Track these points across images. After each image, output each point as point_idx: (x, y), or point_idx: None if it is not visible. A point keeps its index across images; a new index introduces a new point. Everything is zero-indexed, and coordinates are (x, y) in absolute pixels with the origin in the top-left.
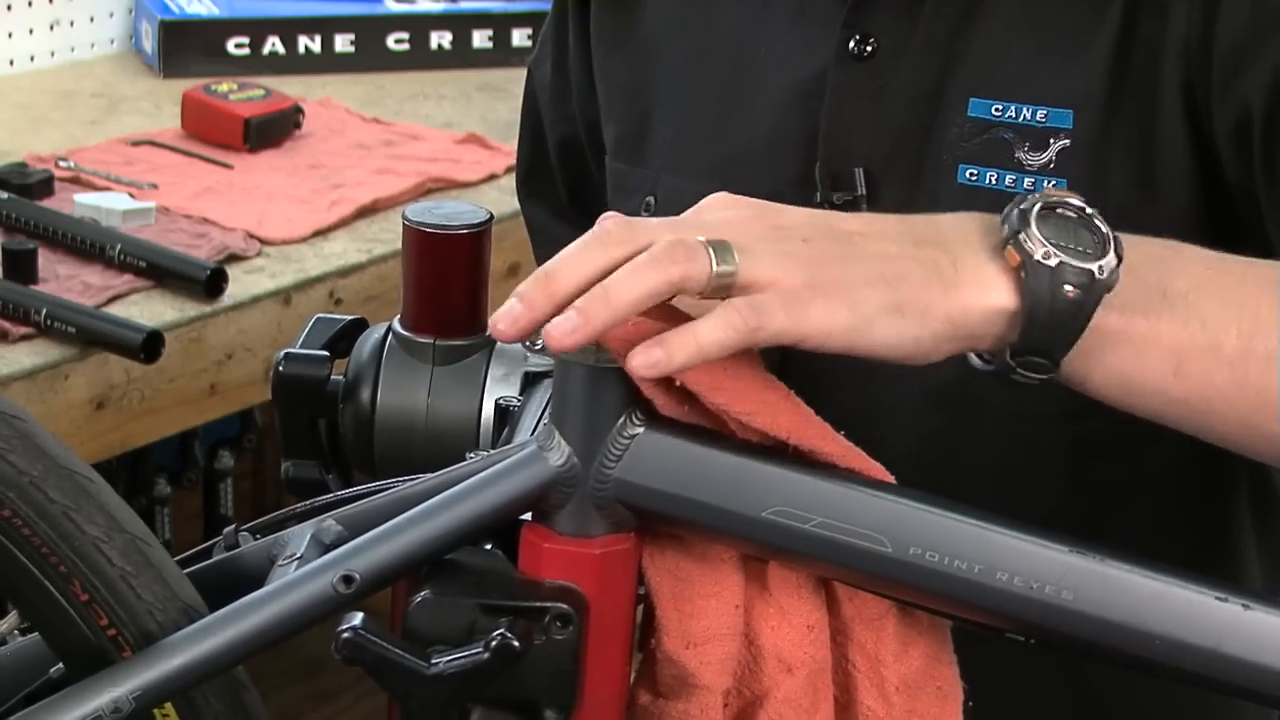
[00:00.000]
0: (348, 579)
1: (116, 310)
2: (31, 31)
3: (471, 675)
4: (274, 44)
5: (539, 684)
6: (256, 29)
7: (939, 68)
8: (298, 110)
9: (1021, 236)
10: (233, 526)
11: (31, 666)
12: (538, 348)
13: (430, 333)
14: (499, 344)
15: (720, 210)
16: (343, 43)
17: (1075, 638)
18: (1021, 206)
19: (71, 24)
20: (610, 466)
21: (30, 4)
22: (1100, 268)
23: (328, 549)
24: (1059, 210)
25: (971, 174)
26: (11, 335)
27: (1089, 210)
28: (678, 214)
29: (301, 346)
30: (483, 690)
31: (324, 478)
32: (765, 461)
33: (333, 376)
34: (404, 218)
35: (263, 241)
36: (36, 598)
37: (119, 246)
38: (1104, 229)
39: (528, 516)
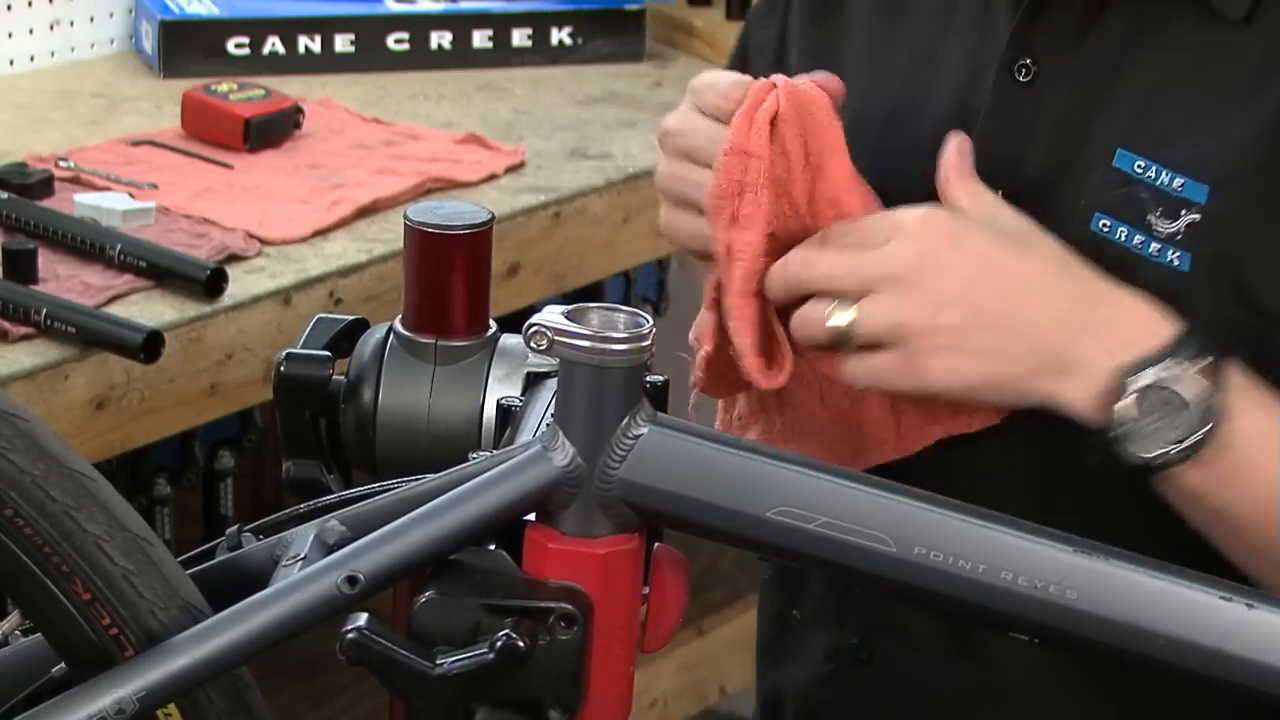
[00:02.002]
0: (352, 579)
1: (116, 310)
2: (31, 31)
3: (476, 675)
4: (274, 44)
5: (544, 684)
6: (256, 29)
7: (1093, 105)
8: (298, 110)
9: (1136, 387)
10: (236, 527)
11: (33, 667)
12: (540, 347)
13: (432, 333)
14: (500, 344)
15: (907, 247)
16: (343, 43)
17: (1079, 637)
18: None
19: (71, 24)
20: (615, 466)
21: (30, 4)
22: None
23: (331, 550)
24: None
25: (1104, 224)
26: (11, 335)
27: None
28: None
29: (303, 346)
30: (487, 690)
31: (325, 478)
32: (770, 461)
33: (334, 376)
34: (405, 218)
35: (263, 241)
36: (38, 597)
37: (119, 246)
38: (1206, 417)
39: (531, 517)
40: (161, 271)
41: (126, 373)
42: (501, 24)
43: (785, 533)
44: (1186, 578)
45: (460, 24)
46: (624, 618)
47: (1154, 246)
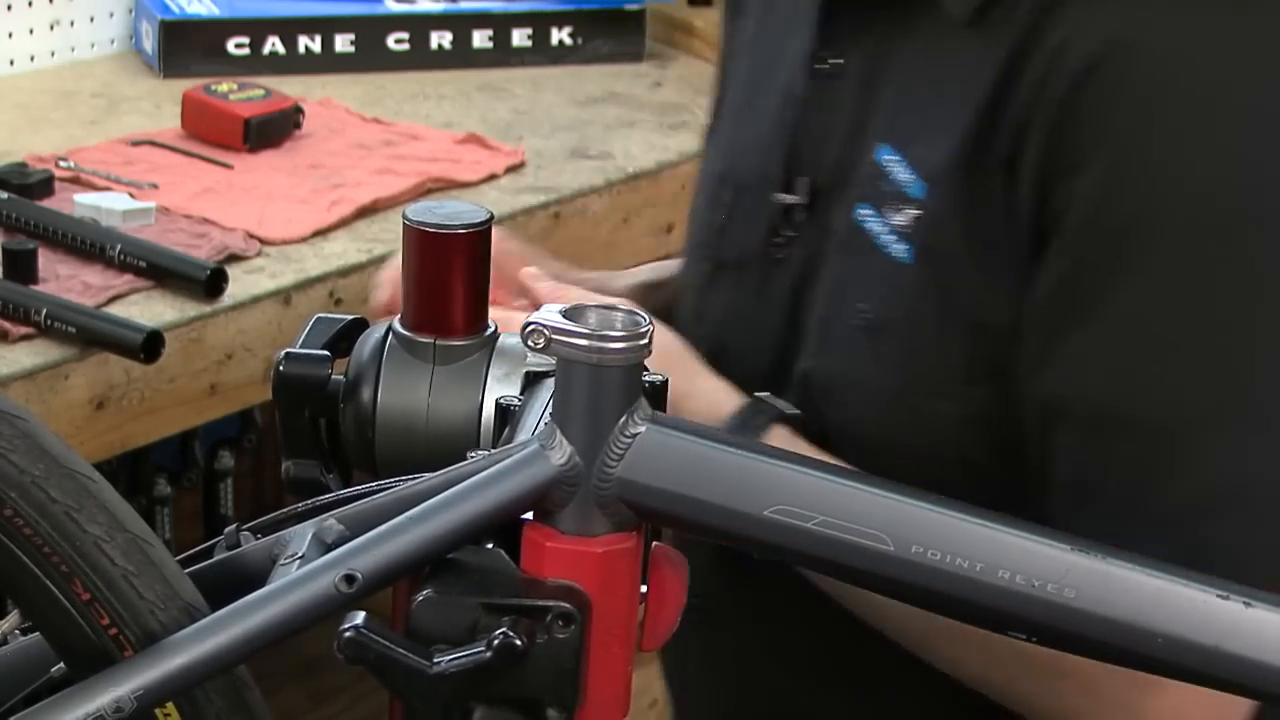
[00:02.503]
0: (350, 578)
1: (116, 310)
2: (31, 31)
3: (474, 674)
4: (274, 44)
5: (541, 683)
6: (256, 29)
7: (870, 99)
8: (298, 110)
9: None
10: (234, 526)
11: (33, 666)
12: (538, 346)
13: (431, 332)
14: (500, 343)
15: None
16: (343, 43)
17: (1077, 636)
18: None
19: (71, 24)
20: (612, 465)
21: (30, 4)
22: None
23: (329, 548)
24: None
25: (864, 213)
26: (11, 335)
27: None
28: (700, 193)
29: (302, 346)
30: (485, 689)
31: (324, 477)
32: (768, 460)
33: (333, 376)
34: (404, 217)
35: (263, 241)
36: (38, 597)
37: (119, 246)
38: None
39: (529, 515)
40: (161, 271)
41: (126, 373)
42: (501, 24)
43: (783, 531)
44: (1185, 576)
45: (460, 24)
46: (622, 617)
47: (886, 237)
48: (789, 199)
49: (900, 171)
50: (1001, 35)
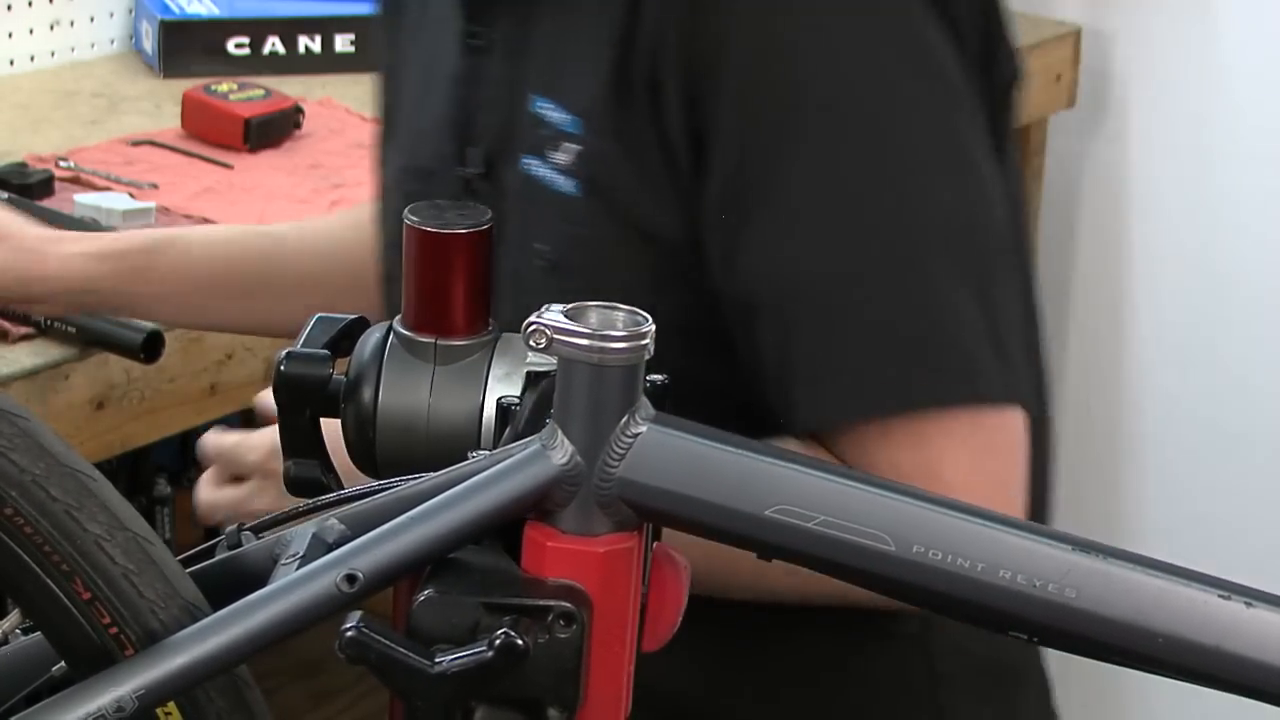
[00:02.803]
0: (351, 578)
1: None
2: (31, 31)
3: (475, 674)
4: (274, 44)
5: (543, 682)
6: (256, 29)
7: (518, 60)
8: (298, 110)
9: None
10: (235, 526)
11: (33, 665)
12: (539, 346)
13: (431, 332)
14: (500, 343)
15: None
16: (343, 43)
17: (1078, 636)
18: None
19: (71, 24)
20: (614, 465)
21: (30, 4)
22: None
23: (330, 548)
24: None
25: (528, 163)
26: (11, 335)
27: None
28: (388, 188)
29: (302, 346)
30: (486, 688)
31: (325, 478)
32: (769, 460)
33: (334, 376)
34: (404, 217)
35: None
36: (38, 596)
37: None
38: None
39: (531, 515)
40: None
41: (126, 373)
42: None
43: (784, 531)
44: (1185, 576)
45: None
46: (623, 616)
47: (552, 175)
48: (467, 172)
49: (555, 113)
50: None
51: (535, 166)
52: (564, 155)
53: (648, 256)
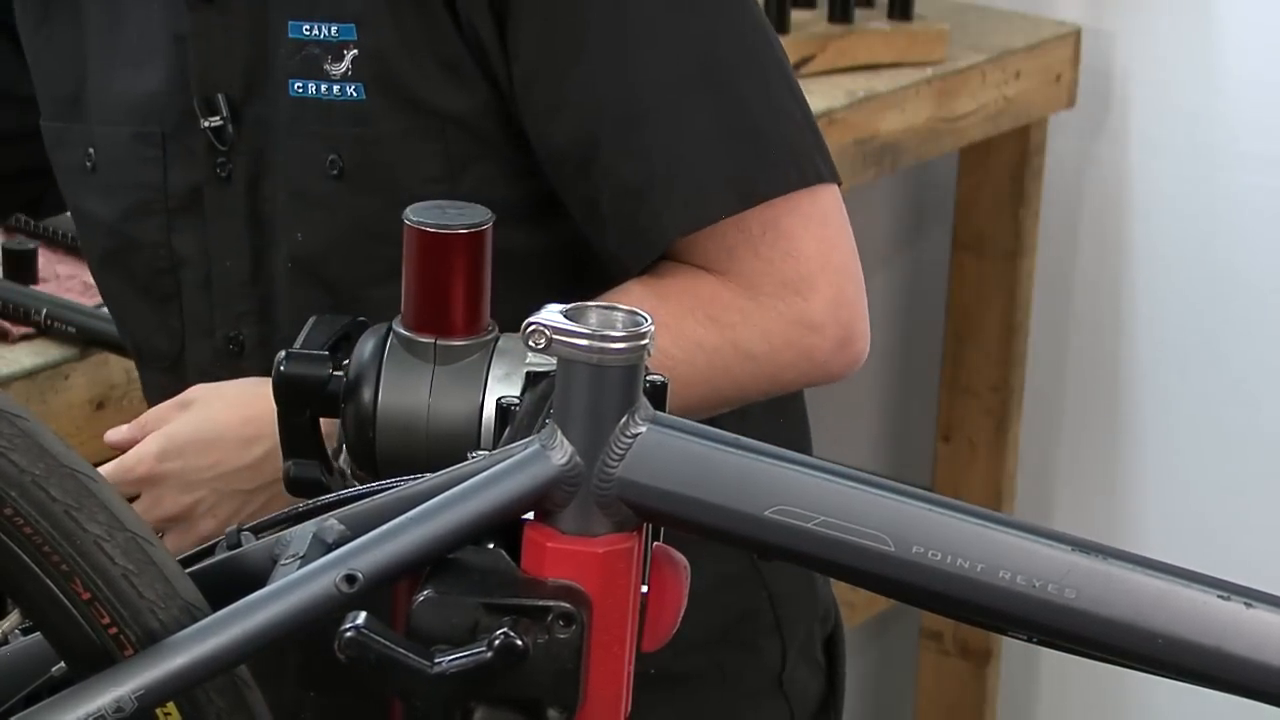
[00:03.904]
0: (350, 578)
1: None
2: None
3: (475, 674)
4: None
5: (542, 683)
6: None
7: (255, 8)
8: None
9: None
10: (235, 526)
11: (33, 665)
12: (539, 346)
13: (431, 332)
14: (500, 343)
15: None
16: None
17: (1078, 636)
18: None
19: None
20: (613, 465)
21: None
22: None
23: (330, 548)
24: None
25: (299, 86)
26: (11, 335)
27: None
28: (110, 161)
29: (302, 346)
30: (486, 689)
31: (325, 478)
32: (768, 460)
33: (334, 376)
34: (405, 217)
35: None
36: (38, 596)
37: None
38: None
39: (530, 515)
40: None
41: (127, 373)
42: None
43: (783, 532)
44: (1185, 577)
45: None
46: (623, 617)
47: (335, 88)
48: (214, 121)
49: (323, 30)
50: None
51: (307, 87)
52: (344, 64)
53: (440, 142)
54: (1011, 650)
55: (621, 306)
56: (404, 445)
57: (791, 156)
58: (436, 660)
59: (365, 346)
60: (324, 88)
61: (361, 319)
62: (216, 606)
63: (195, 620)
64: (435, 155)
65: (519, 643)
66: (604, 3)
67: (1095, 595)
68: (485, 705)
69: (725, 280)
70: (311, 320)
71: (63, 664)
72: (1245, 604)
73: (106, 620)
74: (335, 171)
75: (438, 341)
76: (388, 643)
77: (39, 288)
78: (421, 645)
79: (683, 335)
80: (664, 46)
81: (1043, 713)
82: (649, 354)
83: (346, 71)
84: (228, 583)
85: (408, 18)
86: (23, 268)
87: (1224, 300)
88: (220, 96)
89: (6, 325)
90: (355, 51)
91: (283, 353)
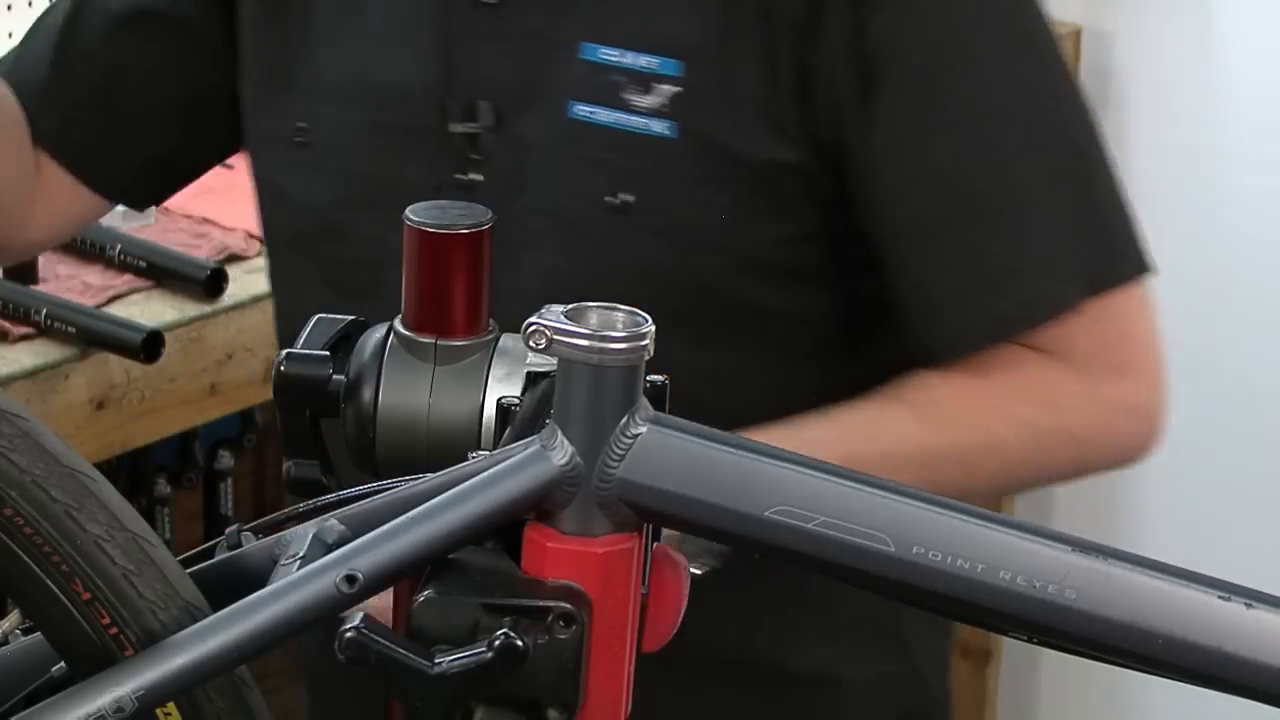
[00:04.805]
0: (350, 578)
1: (116, 310)
2: None
3: (475, 674)
4: None
5: (542, 683)
6: None
7: (554, 15)
8: None
9: None
10: (235, 526)
11: (33, 666)
12: (539, 346)
13: (432, 332)
14: (500, 343)
15: None
16: None
17: (1078, 637)
18: None
19: None
20: (613, 466)
21: (30, 4)
22: None
23: (330, 549)
24: None
25: (585, 111)
26: (11, 335)
27: None
28: (331, 143)
29: (302, 346)
30: (486, 689)
31: (325, 478)
32: (768, 461)
33: (334, 376)
34: (405, 217)
35: (263, 241)
36: (38, 596)
37: (119, 246)
38: None
39: (530, 515)
40: (161, 271)
41: (126, 373)
42: None
43: (783, 532)
44: (1186, 577)
45: None
46: (623, 617)
47: (638, 121)
48: (470, 127)
49: (633, 59)
50: None
51: (595, 114)
52: (656, 97)
53: (739, 194)
54: (1011, 650)
55: (621, 307)
56: (404, 445)
57: (1132, 243)
58: (437, 660)
59: (365, 346)
60: (620, 117)
61: (361, 319)
62: (217, 607)
63: (195, 620)
64: (729, 206)
65: (519, 643)
66: (977, 80)
67: (1095, 595)
68: (485, 705)
69: (1055, 361)
70: (312, 320)
71: (63, 664)
72: (1245, 604)
73: (106, 620)
74: (616, 205)
75: (438, 341)
76: (388, 643)
77: (39, 288)
78: (422, 645)
79: (1011, 415)
80: (1029, 129)
81: (1043, 713)
82: (649, 354)
83: (658, 106)
84: (228, 583)
85: (743, 64)
86: (23, 268)
87: (1223, 300)
88: (484, 103)
89: (6, 325)
90: (675, 89)
91: (283, 352)
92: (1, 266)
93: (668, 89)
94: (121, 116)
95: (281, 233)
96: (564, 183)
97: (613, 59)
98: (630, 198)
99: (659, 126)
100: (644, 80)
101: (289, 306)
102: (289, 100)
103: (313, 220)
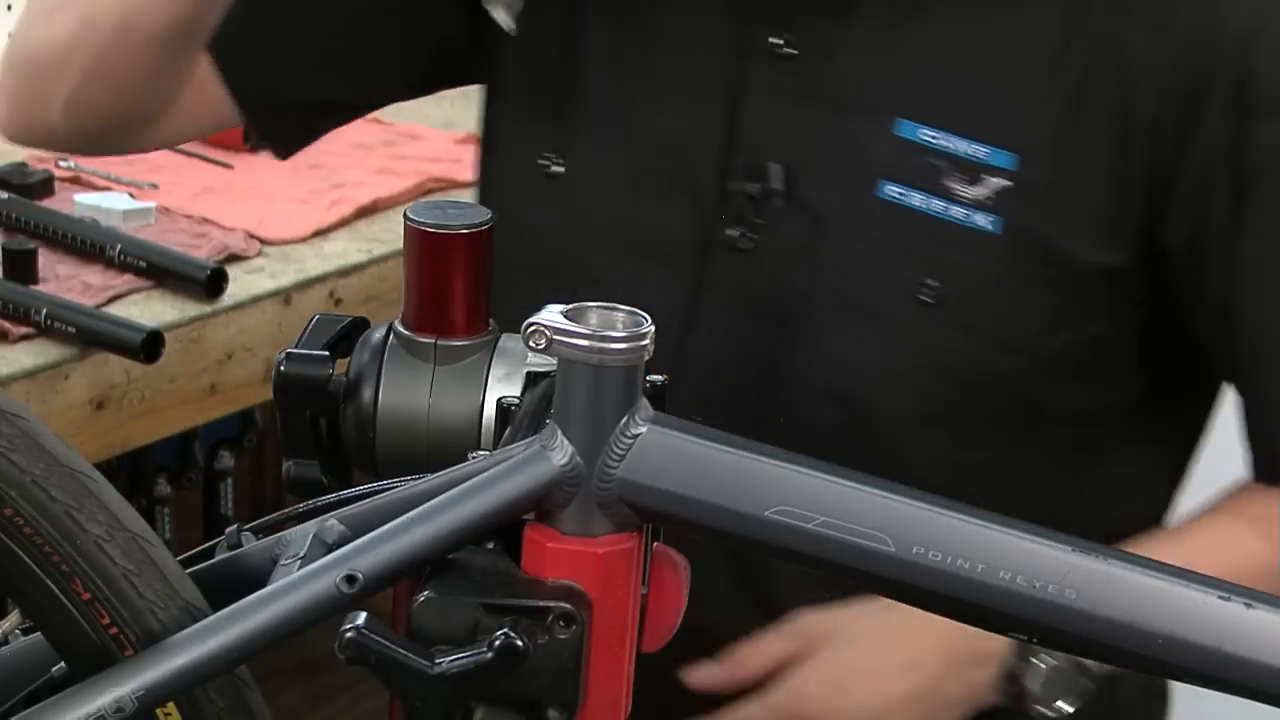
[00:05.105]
0: (350, 578)
1: (116, 310)
2: None
3: (475, 675)
4: None
5: (542, 683)
6: None
7: (866, 80)
8: None
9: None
10: (235, 526)
11: (33, 666)
12: (539, 346)
13: (432, 332)
14: (500, 343)
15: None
16: None
17: (1078, 636)
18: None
19: None
20: (614, 466)
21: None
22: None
23: (330, 549)
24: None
25: (896, 191)
26: (11, 335)
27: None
28: (587, 181)
29: (303, 346)
30: (486, 689)
31: (325, 478)
32: (769, 461)
33: (334, 376)
34: (405, 218)
35: (263, 241)
36: (38, 596)
37: (119, 246)
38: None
39: (531, 515)
40: (161, 271)
41: (126, 373)
42: None
43: (784, 532)
44: (1185, 577)
45: None
46: (623, 617)
47: (960, 211)
48: (752, 188)
49: (961, 146)
50: (1072, 8)
51: (914, 197)
52: (981, 190)
53: (1060, 296)
54: None
55: (621, 307)
56: (404, 445)
57: None
58: (437, 661)
59: (365, 346)
60: (939, 204)
61: (362, 318)
62: (217, 607)
63: (195, 620)
64: (1044, 307)
65: (519, 643)
66: None
67: (1095, 595)
68: (485, 706)
69: None
70: (312, 320)
71: (63, 664)
72: (1245, 604)
73: (107, 620)
74: (924, 297)
75: (438, 341)
76: (388, 643)
77: (39, 288)
78: (422, 646)
79: None
80: None
81: None
82: (649, 354)
83: (983, 198)
84: (228, 583)
85: (1085, 165)
86: (23, 268)
87: None
88: (775, 166)
89: (6, 325)
90: (1004, 182)
91: (283, 352)
92: (125, 151)
93: (996, 181)
94: (296, 56)
95: (517, 262)
96: (867, 265)
97: (935, 141)
98: (940, 289)
99: (982, 220)
100: (971, 169)
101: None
102: (546, 128)
103: (556, 258)
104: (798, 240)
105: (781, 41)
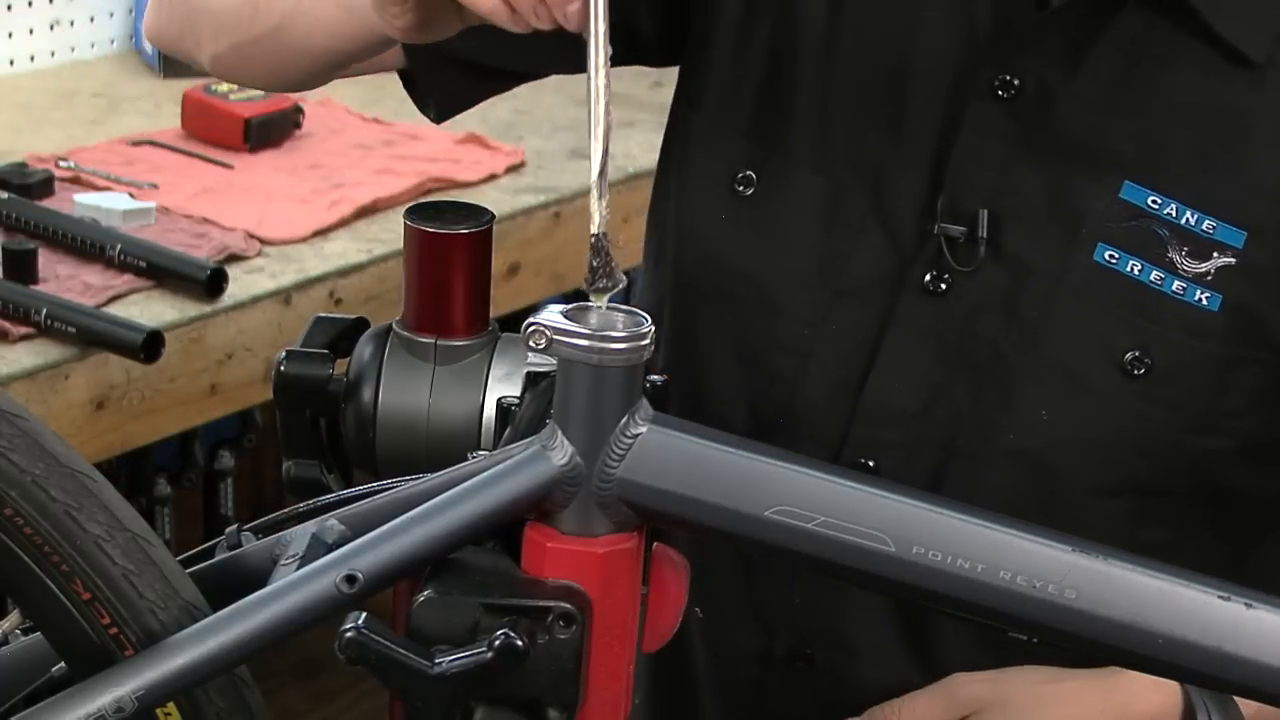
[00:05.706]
0: (350, 578)
1: (116, 310)
2: (31, 31)
3: (475, 674)
4: None
5: (542, 683)
6: None
7: (1091, 133)
8: (298, 110)
9: None
10: (235, 526)
11: (33, 666)
12: (539, 347)
13: (432, 332)
14: (500, 343)
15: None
16: None
17: (1078, 637)
18: None
19: (71, 24)
20: (613, 466)
21: (30, 4)
22: None
23: (330, 549)
24: None
25: (1111, 256)
26: (11, 335)
27: None
28: (780, 206)
29: (303, 346)
30: (486, 689)
31: (325, 478)
32: (769, 460)
33: (334, 376)
34: (405, 218)
35: (263, 241)
36: (38, 596)
37: (119, 246)
38: None
39: (531, 515)
40: (161, 271)
41: (126, 373)
42: None
43: (784, 532)
44: (1185, 578)
45: None
46: (623, 617)
47: (1178, 284)
48: (955, 231)
49: (1189, 216)
50: None
51: (1131, 264)
52: (1206, 265)
53: (1265, 378)
54: None
55: (621, 307)
56: (404, 445)
57: None
58: (437, 660)
59: (365, 346)
60: (1156, 275)
61: (362, 318)
62: (217, 607)
63: (195, 620)
64: (1252, 390)
65: (519, 643)
66: None
67: (1095, 595)
68: (485, 705)
69: None
70: (313, 320)
71: (63, 664)
72: (1245, 604)
73: (107, 620)
74: (1130, 368)
75: (438, 341)
76: (388, 643)
77: (39, 288)
78: (422, 645)
79: None
80: None
81: None
82: (648, 354)
83: (1206, 275)
84: (228, 583)
85: None
86: (23, 268)
87: None
88: (982, 212)
89: (6, 325)
90: (1228, 260)
91: (283, 352)
92: (276, 88)
93: (1220, 259)
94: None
95: (694, 280)
96: (1072, 327)
97: (1161, 210)
98: (1149, 363)
99: (1201, 296)
100: (1197, 243)
101: (687, 357)
102: (741, 141)
103: (738, 282)
104: (997, 291)
105: (1008, 78)
